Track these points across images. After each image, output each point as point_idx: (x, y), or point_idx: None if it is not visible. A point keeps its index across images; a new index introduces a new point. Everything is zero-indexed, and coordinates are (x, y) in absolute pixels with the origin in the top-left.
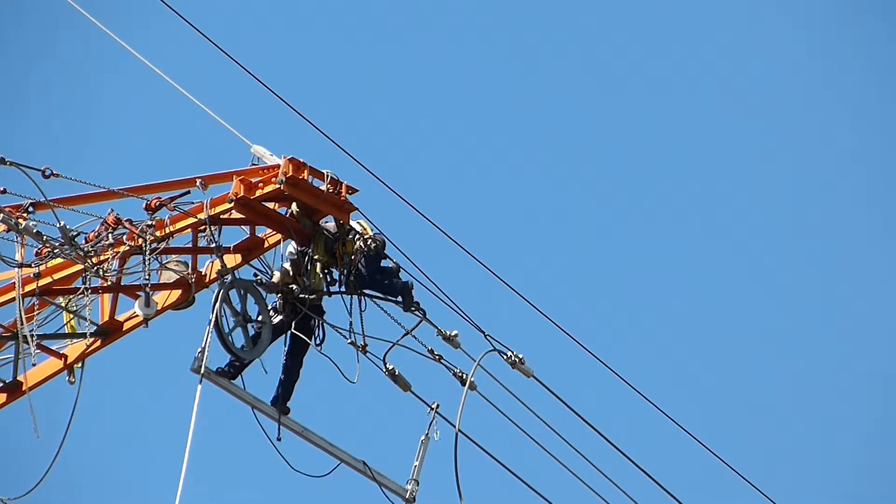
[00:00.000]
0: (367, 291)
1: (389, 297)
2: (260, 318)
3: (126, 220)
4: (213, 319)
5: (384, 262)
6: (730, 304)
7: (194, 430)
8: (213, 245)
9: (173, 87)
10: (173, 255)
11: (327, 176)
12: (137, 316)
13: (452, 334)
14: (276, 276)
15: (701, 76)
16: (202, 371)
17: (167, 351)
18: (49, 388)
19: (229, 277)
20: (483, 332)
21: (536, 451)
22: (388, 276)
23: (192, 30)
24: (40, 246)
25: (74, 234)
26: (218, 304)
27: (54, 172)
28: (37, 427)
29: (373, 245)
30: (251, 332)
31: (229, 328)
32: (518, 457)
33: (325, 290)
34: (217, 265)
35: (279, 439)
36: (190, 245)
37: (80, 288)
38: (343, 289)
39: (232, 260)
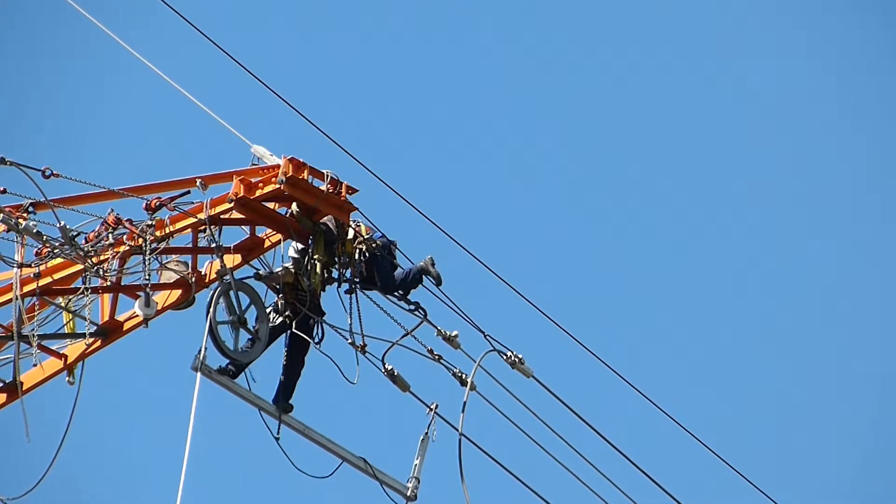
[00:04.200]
0: (367, 291)
1: (392, 297)
2: (258, 321)
3: (126, 220)
4: (208, 321)
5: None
6: (730, 304)
7: (194, 427)
8: (214, 245)
9: (173, 87)
10: (173, 255)
11: (327, 176)
12: (137, 316)
13: (452, 335)
14: (280, 272)
15: (702, 80)
16: (199, 368)
17: (167, 351)
18: (48, 389)
19: (227, 278)
20: (483, 333)
21: (536, 452)
22: (391, 278)
23: (192, 30)
24: (40, 246)
25: (74, 234)
26: (213, 305)
27: (54, 172)
28: (28, 431)
29: (373, 247)
30: (246, 335)
31: (225, 329)
32: (518, 457)
33: (324, 289)
34: (217, 265)
35: (278, 437)
36: (190, 245)
37: (80, 288)
38: (342, 288)
39: (232, 260)
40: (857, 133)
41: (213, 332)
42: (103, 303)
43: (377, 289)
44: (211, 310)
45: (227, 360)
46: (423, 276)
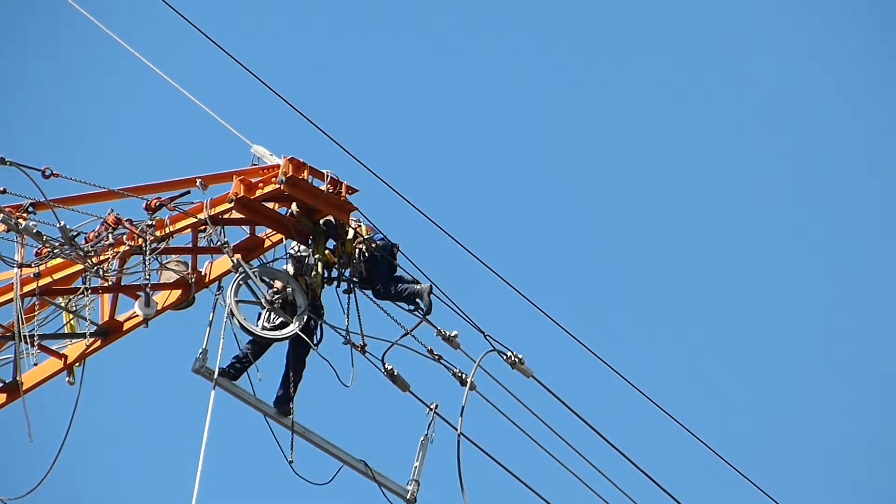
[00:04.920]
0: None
1: (400, 304)
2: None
3: (126, 220)
4: (227, 310)
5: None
6: (730, 303)
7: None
8: (221, 243)
9: (173, 87)
10: (173, 255)
11: (327, 176)
12: (137, 316)
13: (452, 335)
14: (278, 283)
15: (702, 80)
16: (216, 374)
17: (167, 351)
18: (49, 389)
19: (241, 270)
20: (483, 333)
21: (536, 451)
22: (397, 282)
23: (192, 29)
24: (40, 246)
25: (74, 234)
26: (231, 295)
27: (54, 172)
28: (30, 432)
29: (373, 247)
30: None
31: (255, 316)
32: (518, 457)
33: (323, 288)
34: (216, 265)
35: (291, 460)
36: (190, 245)
37: (80, 288)
38: (341, 287)
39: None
40: (858, 133)
41: (240, 323)
42: (103, 303)
43: (372, 291)
44: (230, 297)
45: (228, 363)
46: (417, 301)
